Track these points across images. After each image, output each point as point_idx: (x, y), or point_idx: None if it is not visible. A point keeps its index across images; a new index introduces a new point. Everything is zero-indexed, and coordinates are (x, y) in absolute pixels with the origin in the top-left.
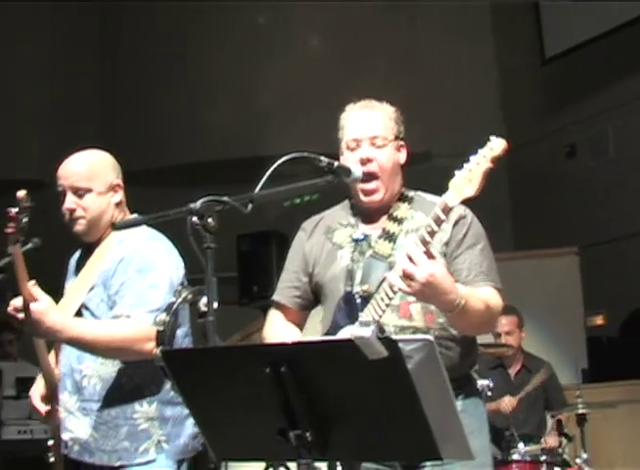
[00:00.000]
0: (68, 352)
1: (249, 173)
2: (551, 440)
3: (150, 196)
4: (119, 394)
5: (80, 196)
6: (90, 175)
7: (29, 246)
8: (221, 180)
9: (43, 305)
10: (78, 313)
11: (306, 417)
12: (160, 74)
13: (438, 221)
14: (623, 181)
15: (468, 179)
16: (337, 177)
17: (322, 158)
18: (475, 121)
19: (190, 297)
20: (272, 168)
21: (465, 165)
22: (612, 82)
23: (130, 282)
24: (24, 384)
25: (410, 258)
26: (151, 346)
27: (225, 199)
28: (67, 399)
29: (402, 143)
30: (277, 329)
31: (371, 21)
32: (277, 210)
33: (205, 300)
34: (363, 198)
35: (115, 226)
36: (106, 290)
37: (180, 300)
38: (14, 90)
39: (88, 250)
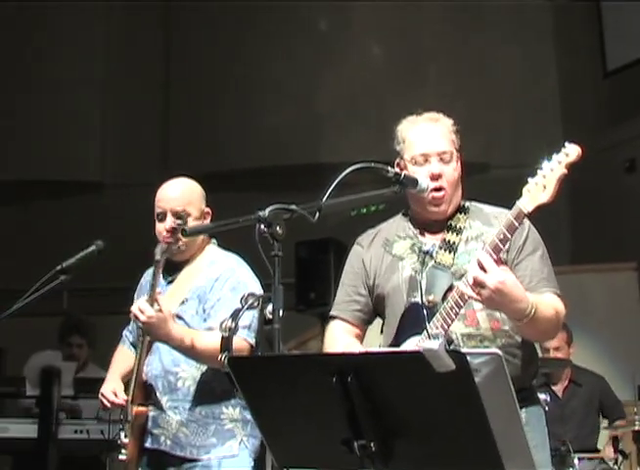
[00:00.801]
0: (162, 357)
1: (305, 180)
2: (608, 451)
3: (207, 199)
4: (210, 396)
5: (180, 218)
6: (189, 201)
7: (93, 248)
8: (277, 186)
9: (165, 313)
10: None
11: (371, 428)
12: (221, 77)
13: (511, 228)
14: None
15: (542, 185)
16: (403, 188)
17: (389, 168)
18: (534, 134)
19: (256, 304)
20: (340, 178)
21: (539, 172)
22: None
23: (225, 299)
24: (82, 384)
25: (481, 266)
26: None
27: (293, 207)
28: (159, 398)
29: (459, 155)
30: (340, 341)
31: (432, 27)
32: (336, 218)
33: (270, 307)
34: (432, 208)
35: (187, 232)
36: (201, 303)
37: (246, 306)
38: (74, 90)
39: (170, 269)
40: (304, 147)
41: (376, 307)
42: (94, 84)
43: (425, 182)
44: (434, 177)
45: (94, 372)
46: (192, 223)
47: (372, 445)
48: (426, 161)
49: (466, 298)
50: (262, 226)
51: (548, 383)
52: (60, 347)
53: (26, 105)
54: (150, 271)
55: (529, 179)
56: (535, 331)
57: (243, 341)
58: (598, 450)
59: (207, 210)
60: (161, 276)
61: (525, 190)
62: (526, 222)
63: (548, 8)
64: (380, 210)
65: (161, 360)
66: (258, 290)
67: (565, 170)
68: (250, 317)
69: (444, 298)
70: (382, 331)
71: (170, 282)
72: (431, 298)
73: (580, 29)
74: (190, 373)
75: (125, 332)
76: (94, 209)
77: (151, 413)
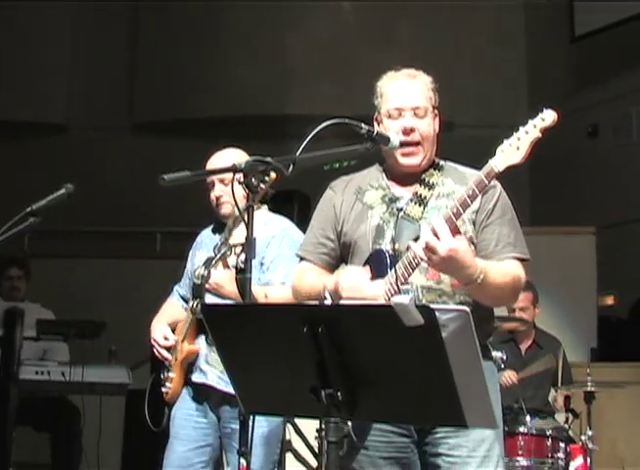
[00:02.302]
0: (215, 301)
1: (271, 130)
2: (559, 402)
3: (172, 146)
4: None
5: (226, 185)
6: None
7: (63, 191)
8: (245, 135)
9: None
10: None
11: (339, 377)
12: (190, 26)
13: (481, 186)
14: None
15: (515, 147)
16: (375, 144)
17: (362, 125)
18: (499, 95)
19: (228, 253)
20: (314, 133)
21: (514, 134)
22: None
23: (283, 256)
24: (44, 326)
25: (434, 232)
26: None
27: (268, 159)
28: (208, 338)
29: (437, 112)
30: (308, 277)
31: None
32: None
33: (243, 257)
34: (402, 160)
35: (165, 180)
36: (257, 257)
37: (219, 255)
38: (41, 35)
39: (222, 229)
40: (271, 98)
41: (342, 254)
42: (62, 27)
43: (396, 140)
44: (406, 131)
45: (36, 309)
46: (238, 187)
47: (339, 394)
48: (400, 115)
49: (417, 260)
50: (238, 176)
51: (514, 339)
52: None
53: None
54: (206, 232)
55: (504, 140)
56: (485, 296)
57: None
58: (552, 412)
59: None
60: (217, 234)
61: (498, 150)
62: (498, 186)
63: None
64: (351, 165)
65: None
66: None
67: (539, 134)
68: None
69: (408, 248)
70: None
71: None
72: (396, 246)
73: None
74: None
75: (176, 286)
76: (57, 151)
77: (202, 351)
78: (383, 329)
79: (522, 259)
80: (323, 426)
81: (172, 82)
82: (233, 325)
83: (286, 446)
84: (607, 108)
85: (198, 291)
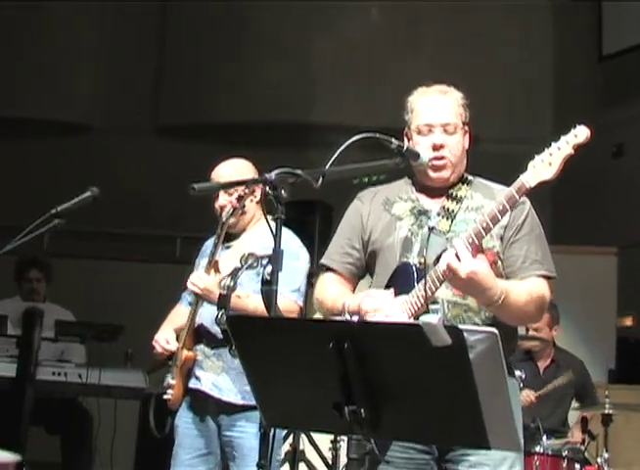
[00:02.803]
0: (204, 313)
1: (295, 138)
2: (576, 434)
3: (195, 150)
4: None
5: (230, 195)
6: (232, 177)
7: (88, 194)
8: (268, 142)
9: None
10: None
11: (363, 394)
12: (217, 30)
13: (512, 201)
14: None
15: (548, 163)
16: (405, 160)
17: (393, 140)
18: (524, 110)
19: (255, 264)
20: (344, 146)
21: (546, 149)
22: None
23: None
24: (63, 327)
25: (456, 254)
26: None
27: (299, 172)
28: (204, 345)
29: (467, 129)
30: (331, 289)
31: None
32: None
33: (270, 268)
34: (432, 174)
35: (195, 190)
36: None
37: (246, 266)
38: (67, 34)
39: (227, 238)
40: (296, 105)
41: (368, 264)
42: (89, 26)
43: (426, 156)
44: (436, 147)
45: (55, 310)
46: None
47: (362, 410)
48: (430, 131)
49: (440, 281)
50: (268, 188)
51: (532, 358)
52: (18, 284)
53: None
54: (211, 240)
55: (535, 156)
56: (507, 316)
57: (294, 303)
58: (567, 431)
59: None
60: (209, 244)
61: (530, 165)
62: (527, 203)
63: None
64: (380, 180)
65: (210, 312)
66: (306, 258)
67: (572, 151)
68: (300, 280)
69: (436, 262)
70: (370, 287)
71: (228, 248)
72: (423, 260)
73: (580, 11)
74: None
75: (184, 293)
76: (81, 150)
77: (198, 358)
78: (409, 348)
79: (548, 277)
80: (339, 439)
81: (198, 86)
82: (258, 338)
83: (299, 457)
84: (632, 127)
85: (224, 302)
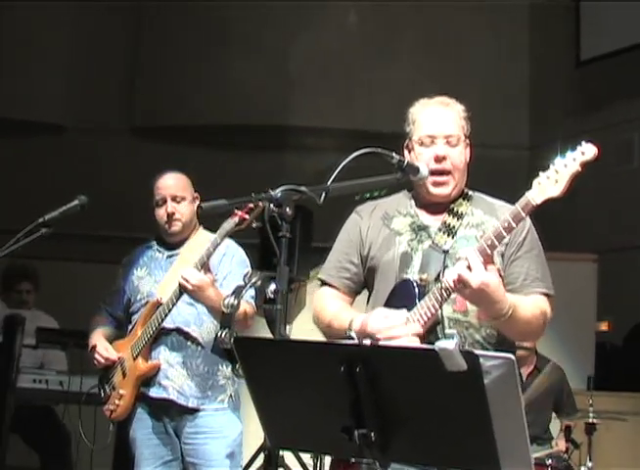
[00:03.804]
0: (175, 318)
1: (271, 141)
2: (560, 443)
3: (171, 151)
4: (212, 355)
5: (178, 203)
6: (184, 187)
7: (76, 202)
8: (244, 144)
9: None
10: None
11: (373, 418)
12: (193, 31)
13: (517, 218)
14: None
15: (554, 180)
16: (405, 175)
17: (394, 154)
18: (500, 115)
19: (259, 283)
20: (345, 162)
21: (551, 166)
22: None
23: (234, 273)
24: (44, 334)
25: (467, 264)
26: (251, 322)
27: (303, 189)
28: (167, 353)
29: (468, 141)
30: (330, 305)
31: (409, 4)
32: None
33: (272, 286)
34: (433, 190)
35: (202, 209)
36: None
37: (250, 284)
38: (41, 34)
39: (167, 248)
40: (272, 108)
41: (366, 279)
42: (64, 26)
43: (425, 170)
44: (439, 159)
45: (42, 319)
46: (187, 206)
47: (372, 434)
48: (432, 142)
49: (449, 291)
50: (272, 206)
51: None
52: (6, 294)
53: None
54: (141, 249)
55: (540, 173)
56: (512, 331)
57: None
58: (551, 438)
59: (196, 195)
60: (159, 252)
61: (535, 182)
62: (528, 221)
63: None
64: (381, 195)
65: (174, 320)
66: (249, 265)
67: (579, 168)
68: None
69: (437, 278)
70: (367, 301)
71: (169, 257)
72: (424, 276)
73: (557, 17)
74: (198, 333)
75: (103, 305)
76: (54, 151)
77: (162, 367)
78: (423, 372)
79: (548, 295)
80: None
81: (173, 87)
82: (265, 359)
83: (279, 463)
84: (609, 133)
85: (227, 320)
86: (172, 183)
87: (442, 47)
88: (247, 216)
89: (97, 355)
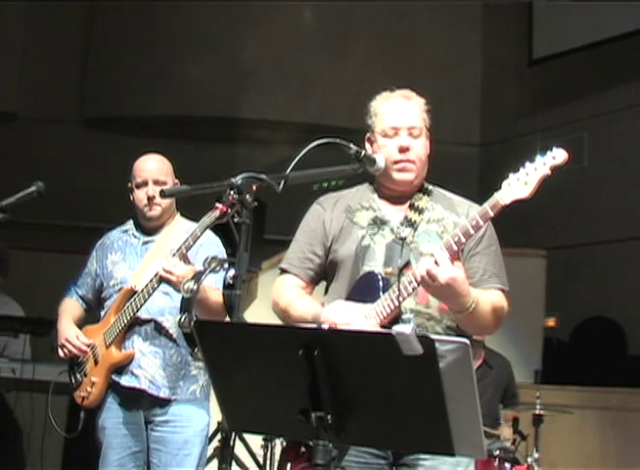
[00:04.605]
0: (150, 307)
1: (224, 133)
2: (506, 432)
3: (123, 142)
4: (184, 345)
5: (160, 186)
6: (166, 171)
7: (33, 188)
8: (196, 136)
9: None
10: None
11: (331, 401)
12: (147, 21)
13: (486, 217)
14: (594, 190)
15: (524, 182)
16: (363, 166)
17: (351, 145)
18: (451, 112)
19: (218, 268)
20: (304, 152)
21: (521, 169)
22: (594, 92)
23: None
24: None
25: (435, 260)
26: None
27: (263, 176)
28: (141, 343)
29: (428, 134)
30: (288, 291)
31: (364, 1)
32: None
33: (232, 272)
34: (397, 175)
35: (164, 194)
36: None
37: (209, 270)
38: None
39: (143, 232)
40: (226, 100)
41: (326, 270)
42: (16, 16)
43: (382, 161)
44: (402, 149)
45: (5, 303)
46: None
47: (329, 417)
48: (395, 134)
49: (415, 285)
50: (233, 193)
51: None
52: None
53: None
54: (116, 232)
55: (510, 174)
56: (472, 325)
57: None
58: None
59: (177, 181)
60: (135, 237)
61: (504, 183)
62: None
63: None
64: (339, 185)
65: (150, 311)
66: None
67: (549, 172)
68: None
69: (400, 272)
70: (325, 292)
71: (145, 243)
72: (389, 270)
73: (510, 16)
74: (172, 322)
75: (73, 287)
76: (7, 139)
77: (135, 355)
78: (380, 356)
79: (503, 290)
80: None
81: (126, 78)
82: (225, 342)
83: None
84: (559, 132)
85: (187, 305)
86: (155, 166)
87: (396, 44)
88: (228, 210)
89: (68, 345)
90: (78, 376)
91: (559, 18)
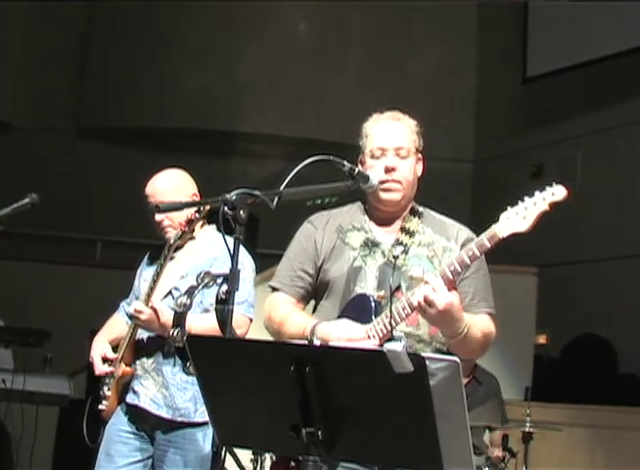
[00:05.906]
0: None
1: (219, 146)
2: (496, 451)
3: (117, 154)
4: (178, 359)
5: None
6: (173, 191)
7: (27, 200)
8: (192, 149)
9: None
10: (168, 294)
11: (321, 417)
12: (144, 33)
13: (482, 248)
14: (585, 208)
15: (522, 216)
16: (356, 183)
17: (345, 162)
18: (445, 129)
19: (211, 283)
20: (298, 169)
21: (520, 203)
22: (587, 110)
23: None
24: None
25: (432, 287)
26: (240, 331)
27: (256, 192)
28: (144, 360)
29: (420, 156)
30: (282, 307)
31: (360, 14)
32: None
33: (225, 287)
34: (383, 195)
35: (159, 209)
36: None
37: (202, 285)
38: None
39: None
40: (221, 114)
41: (316, 289)
42: (13, 26)
43: (375, 179)
44: (388, 170)
45: None
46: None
47: (319, 433)
48: (383, 154)
49: (408, 310)
50: (227, 209)
51: None
52: None
53: None
54: (154, 250)
55: (509, 208)
56: (463, 349)
57: (242, 317)
58: (486, 447)
59: (194, 192)
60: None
61: (502, 216)
62: None
63: (475, 9)
64: (332, 202)
65: None
66: (251, 267)
67: (547, 208)
68: (247, 290)
69: (392, 295)
70: (314, 311)
71: (172, 258)
72: (381, 293)
73: (505, 33)
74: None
75: (122, 303)
76: (2, 149)
77: (138, 373)
78: (371, 373)
79: (490, 314)
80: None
81: (122, 90)
82: (217, 357)
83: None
84: (552, 149)
85: (180, 319)
86: (159, 189)
87: (391, 60)
88: (186, 228)
89: (91, 360)
90: (105, 388)
91: (553, 36)
